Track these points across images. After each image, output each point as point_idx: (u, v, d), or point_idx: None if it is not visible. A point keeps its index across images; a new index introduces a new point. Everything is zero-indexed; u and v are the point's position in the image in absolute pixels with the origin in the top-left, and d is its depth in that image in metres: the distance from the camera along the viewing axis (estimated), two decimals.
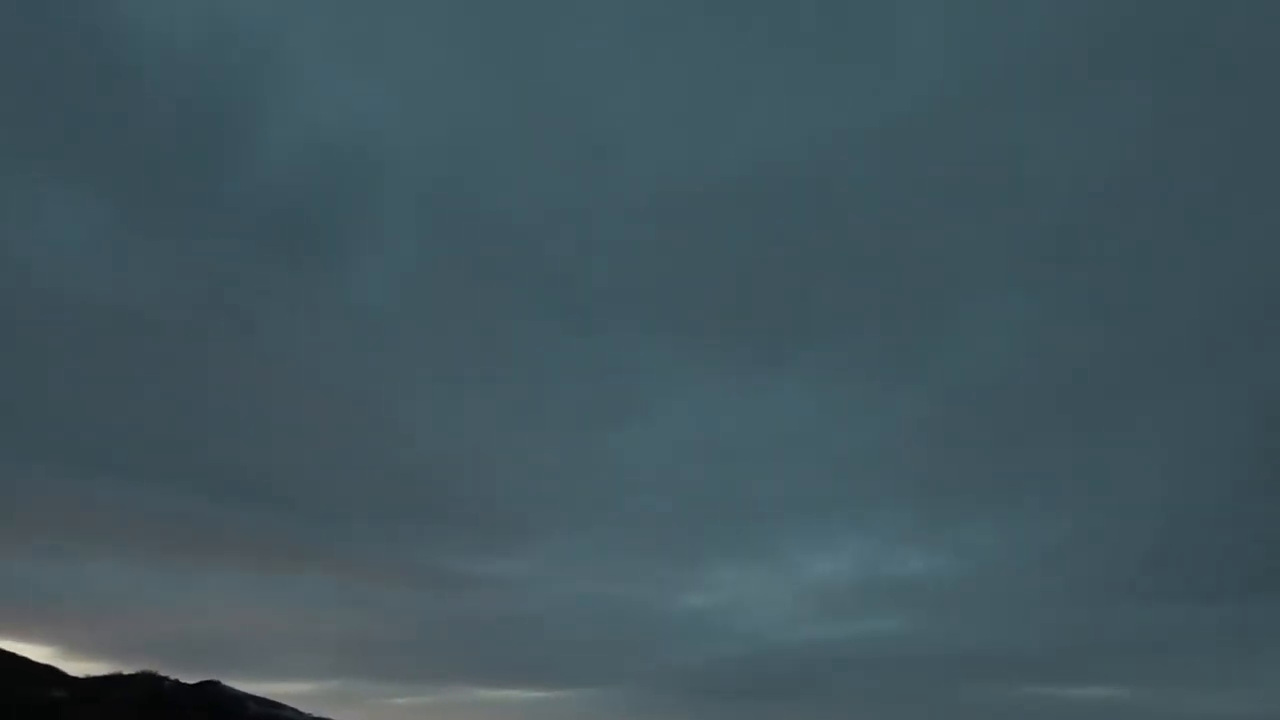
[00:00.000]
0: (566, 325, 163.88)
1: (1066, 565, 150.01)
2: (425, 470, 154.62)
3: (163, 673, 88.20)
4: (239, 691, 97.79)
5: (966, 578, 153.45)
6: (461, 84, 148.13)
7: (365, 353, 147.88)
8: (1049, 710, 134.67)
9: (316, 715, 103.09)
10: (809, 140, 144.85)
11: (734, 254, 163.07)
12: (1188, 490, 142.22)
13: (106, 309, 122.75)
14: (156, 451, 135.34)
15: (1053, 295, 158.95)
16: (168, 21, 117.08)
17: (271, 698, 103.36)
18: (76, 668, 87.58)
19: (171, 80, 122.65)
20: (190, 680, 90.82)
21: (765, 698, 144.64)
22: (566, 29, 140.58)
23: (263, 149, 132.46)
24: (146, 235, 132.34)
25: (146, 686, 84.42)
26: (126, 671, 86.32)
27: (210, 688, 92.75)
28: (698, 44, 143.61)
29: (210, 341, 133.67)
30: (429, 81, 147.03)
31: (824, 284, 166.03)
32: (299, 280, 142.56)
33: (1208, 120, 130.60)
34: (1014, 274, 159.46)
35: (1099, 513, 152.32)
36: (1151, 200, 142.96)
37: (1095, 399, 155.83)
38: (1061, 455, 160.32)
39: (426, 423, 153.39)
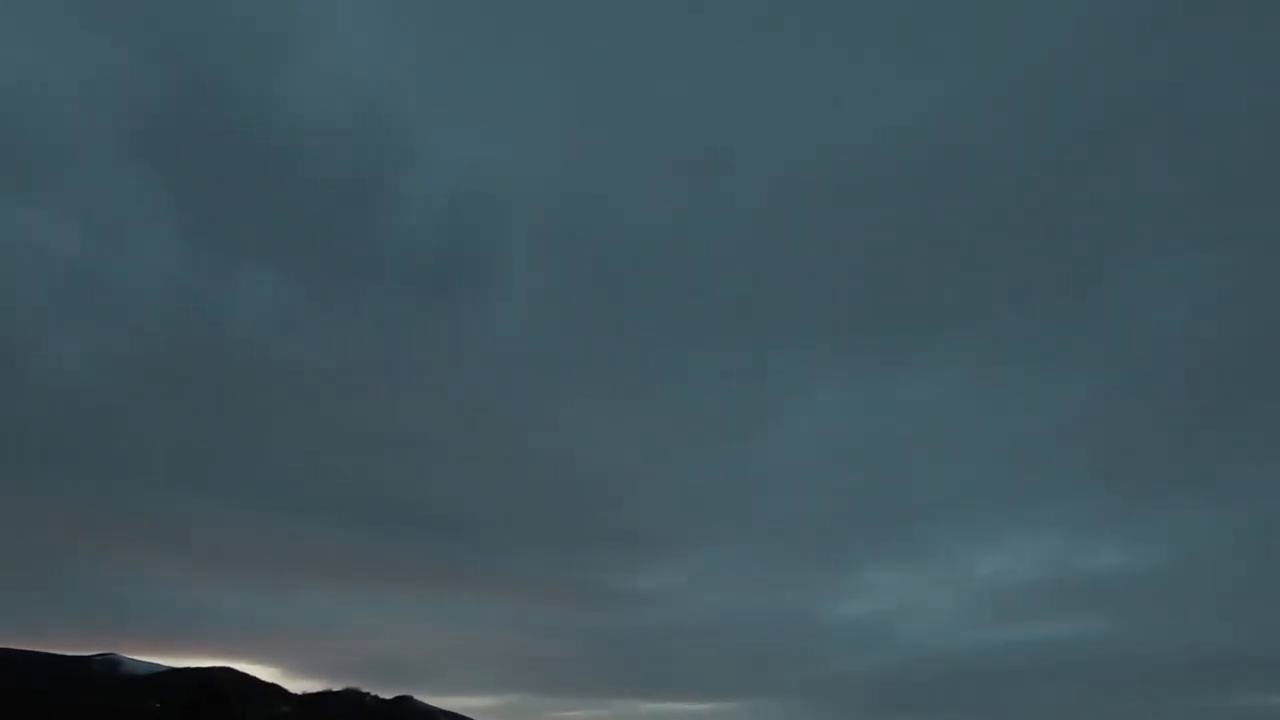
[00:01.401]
0: (698, 338, 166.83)
1: None
2: (579, 490, 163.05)
3: (364, 689, 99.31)
4: (431, 706, 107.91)
5: (1168, 570, 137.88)
6: (572, 119, 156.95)
7: (514, 383, 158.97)
8: None
9: None
10: (923, 114, 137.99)
11: (859, 247, 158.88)
12: None
13: (293, 368, 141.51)
14: (346, 490, 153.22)
15: (1231, 243, 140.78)
16: (324, 109, 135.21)
17: (458, 712, 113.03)
18: (296, 685, 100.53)
19: (326, 158, 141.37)
20: (387, 696, 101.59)
21: (935, 709, 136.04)
22: (663, 51, 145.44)
23: (406, 209, 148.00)
24: (319, 301, 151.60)
25: (352, 701, 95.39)
26: (335, 689, 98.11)
27: (406, 703, 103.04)
28: (794, 40, 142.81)
29: (381, 387, 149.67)
30: (542, 119, 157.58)
31: (959, 266, 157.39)
32: (451, 323, 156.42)
33: None
34: (1180, 225, 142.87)
35: None
36: None
37: None
38: (1269, 421, 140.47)
39: (576, 445, 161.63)
